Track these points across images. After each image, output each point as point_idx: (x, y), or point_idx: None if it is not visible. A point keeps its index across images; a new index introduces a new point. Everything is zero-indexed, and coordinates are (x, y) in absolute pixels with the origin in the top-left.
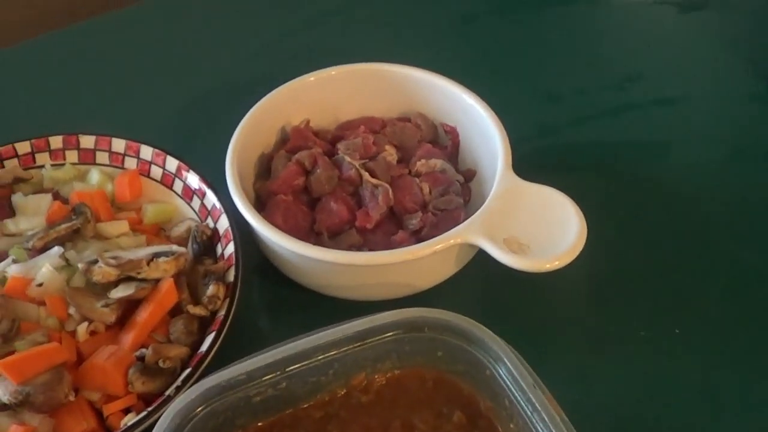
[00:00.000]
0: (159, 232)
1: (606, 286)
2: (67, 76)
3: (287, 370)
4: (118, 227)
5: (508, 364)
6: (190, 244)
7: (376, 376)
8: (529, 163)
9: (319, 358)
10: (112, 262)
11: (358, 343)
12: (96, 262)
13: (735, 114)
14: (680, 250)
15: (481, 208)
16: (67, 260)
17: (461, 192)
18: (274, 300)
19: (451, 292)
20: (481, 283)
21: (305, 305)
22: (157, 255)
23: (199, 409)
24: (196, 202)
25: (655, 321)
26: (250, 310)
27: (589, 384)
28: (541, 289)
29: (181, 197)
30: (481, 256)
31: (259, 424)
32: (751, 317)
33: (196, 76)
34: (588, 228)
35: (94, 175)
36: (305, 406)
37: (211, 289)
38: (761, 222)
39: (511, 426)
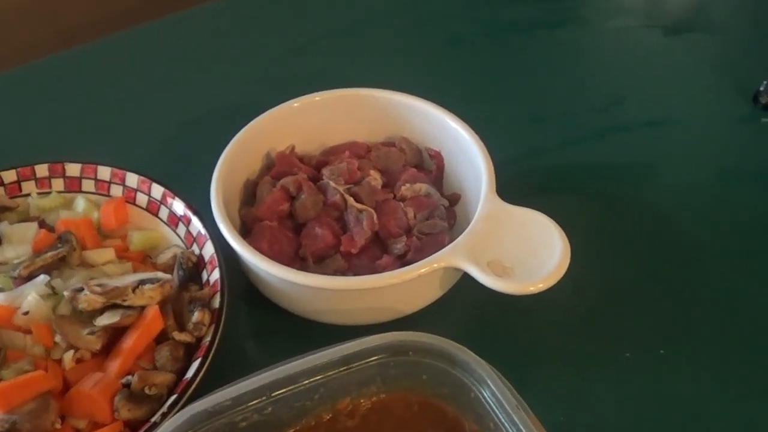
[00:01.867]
0: (145, 259)
1: (591, 309)
2: (52, 105)
3: (273, 395)
4: (104, 255)
5: (492, 386)
6: (175, 271)
7: (361, 401)
8: (514, 186)
9: (305, 382)
10: (98, 289)
11: (344, 368)
12: (82, 290)
13: (721, 135)
14: (666, 272)
15: (465, 231)
16: (53, 288)
17: (446, 216)
18: (261, 326)
19: (436, 315)
20: (466, 307)
21: (291, 331)
22: (142, 282)
23: None
24: (181, 229)
25: (641, 342)
26: (236, 336)
27: (574, 407)
28: (527, 312)
29: (166, 224)
30: (467, 279)
31: None
32: (738, 339)
33: (181, 104)
34: (573, 250)
35: (80, 203)
36: (291, 431)
37: (196, 316)
38: (747, 243)
39: None
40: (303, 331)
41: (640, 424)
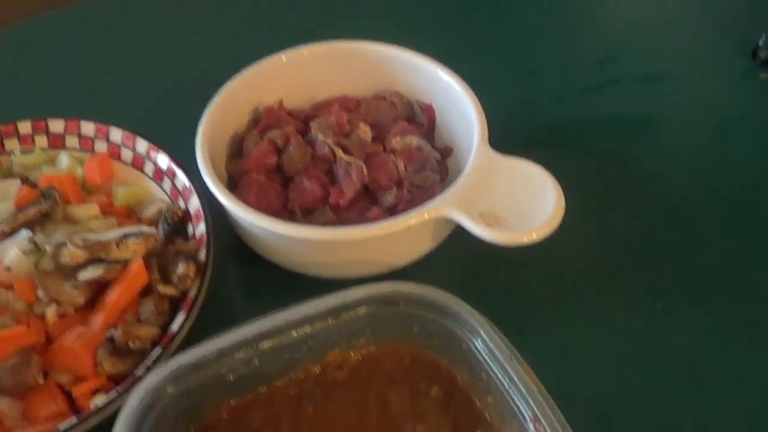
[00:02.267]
0: (130, 214)
1: (586, 263)
2: (36, 65)
3: (260, 346)
4: (88, 210)
5: (484, 336)
6: (161, 225)
7: (351, 353)
8: (507, 140)
9: (293, 334)
10: (80, 243)
11: (332, 319)
12: (64, 244)
13: (718, 91)
14: (662, 227)
15: (457, 181)
16: (35, 244)
17: (438, 169)
18: (249, 280)
19: (428, 269)
20: (459, 261)
21: (280, 285)
22: (126, 236)
23: (170, 387)
24: (167, 184)
25: (636, 296)
26: (223, 291)
27: (569, 359)
28: (521, 266)
29: (151, 179)
30: (459, 233)
31: (232, 403)
32: (733, 292)
33: (168, 60)
34: (568, 205)
35: (64, 160)
36: (279, 384)
37: (181, 269)
38: (744, 197)
39: (489, 399)
40: (292, 286)
41: (635, 377)
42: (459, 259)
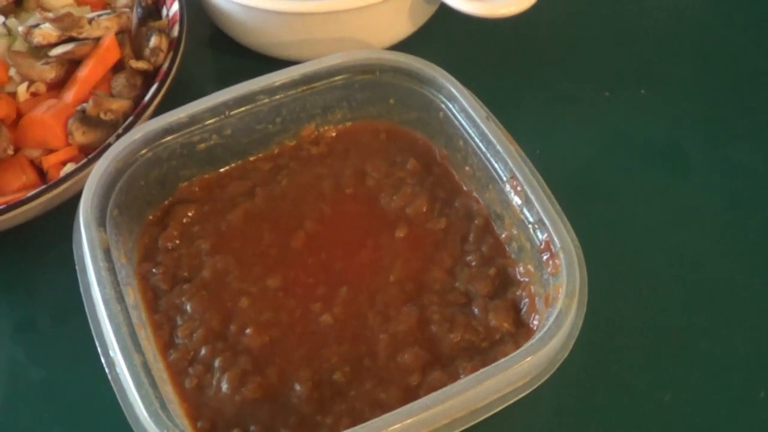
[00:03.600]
0: (104, 5)
1: (571, 48)
2: None
3: (231, 113)
4: None
5: (462, 100)
6: (135, 9)
7: (326, 128)
8: None
9: (265, 101)
10: (51, 16)
11: (305, 87)
12: (36, 25)
13: None
14: (646, 13)
15: None
16: (8, 29)
17: None
18: (225, 68)
19: (407, 51)
20: (441, 43)
21: (255, 72)
22: (99, 15)
23: (141, 153)
24: None
25: (620, 83)
26: (199, 77)
27: (551, 142)
28: (506, 51)
29: None
30: (442, 14)
31: (206, 176)
32: (723, 83)
33: None
34: None
35: None
36: (253, 158)
37: (153, 41)
38: None
39: (467, 169)
40: (268, 71)
41: (616, 156)
42: (440, 42)
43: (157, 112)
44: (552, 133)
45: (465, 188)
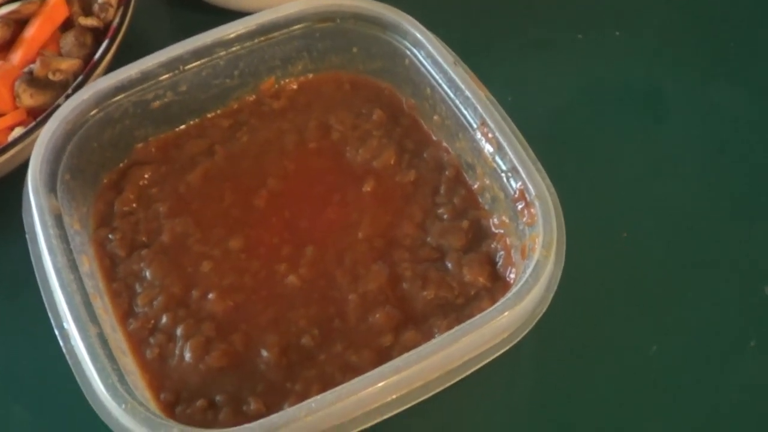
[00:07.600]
0: None
1: None
2: None
3: (186, 68)
4: None
5: (428, 45)
6: None
7: (287, 81)
8: None
9: (221, 54)
10: None
11: (263, 38)
12: None
13: None
14: None
15: None
16: None
17: None
18: (180, 23)
19: None
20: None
21: (213, 25)
22: None
23: (92, 113)
24: None
25: (595, 24)
26: (153, 33)
27: (524, 87)
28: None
29: None
30: None
31: (162, 135)
32: (692, 20)
33: None
34: None
35: None
36: (211, 115)
37: None
38: None
39: (435, 118)
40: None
41: (590, 105)
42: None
43: (109, 70)
44: (524, 80)
45: (434, 138)
